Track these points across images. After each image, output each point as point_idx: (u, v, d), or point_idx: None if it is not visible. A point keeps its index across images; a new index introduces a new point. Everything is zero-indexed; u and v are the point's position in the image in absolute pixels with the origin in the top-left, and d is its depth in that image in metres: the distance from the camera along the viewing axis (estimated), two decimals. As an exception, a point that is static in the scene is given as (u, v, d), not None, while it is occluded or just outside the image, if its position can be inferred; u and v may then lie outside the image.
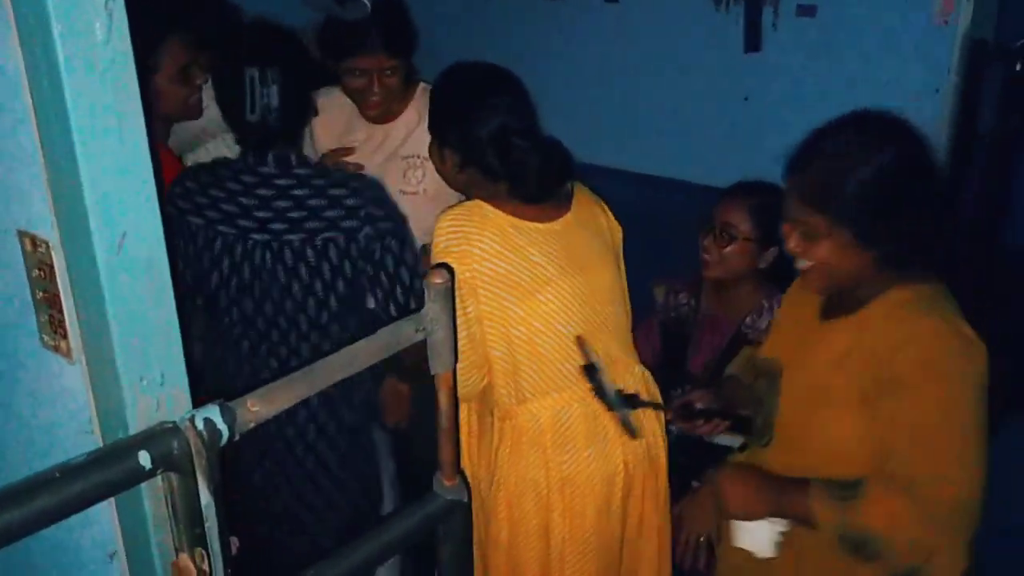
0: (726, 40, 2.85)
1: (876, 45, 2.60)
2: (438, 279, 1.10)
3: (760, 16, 2.77)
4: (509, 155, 1.77)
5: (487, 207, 1.76)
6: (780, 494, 1.49)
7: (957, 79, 2.50)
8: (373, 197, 1.91)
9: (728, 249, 2.19)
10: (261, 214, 1.87)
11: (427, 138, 1.94)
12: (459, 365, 1.66)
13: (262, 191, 1.88)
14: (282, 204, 1.87)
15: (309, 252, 1.87)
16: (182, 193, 1.91)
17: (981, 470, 1.38)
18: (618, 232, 1.96)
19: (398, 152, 2.39)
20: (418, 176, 2.36)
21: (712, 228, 2.20)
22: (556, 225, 1.81)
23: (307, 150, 2.27)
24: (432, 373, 1.16)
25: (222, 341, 1.99)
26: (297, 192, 1.88)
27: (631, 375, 1.91)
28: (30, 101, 0.86)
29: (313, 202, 1.87)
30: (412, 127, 2.38)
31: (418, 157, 2.33)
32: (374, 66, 2.24)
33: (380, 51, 2.23)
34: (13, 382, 1.09)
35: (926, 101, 2.54)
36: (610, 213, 1.96)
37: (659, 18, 3.01)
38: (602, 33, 3.15)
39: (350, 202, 1.87)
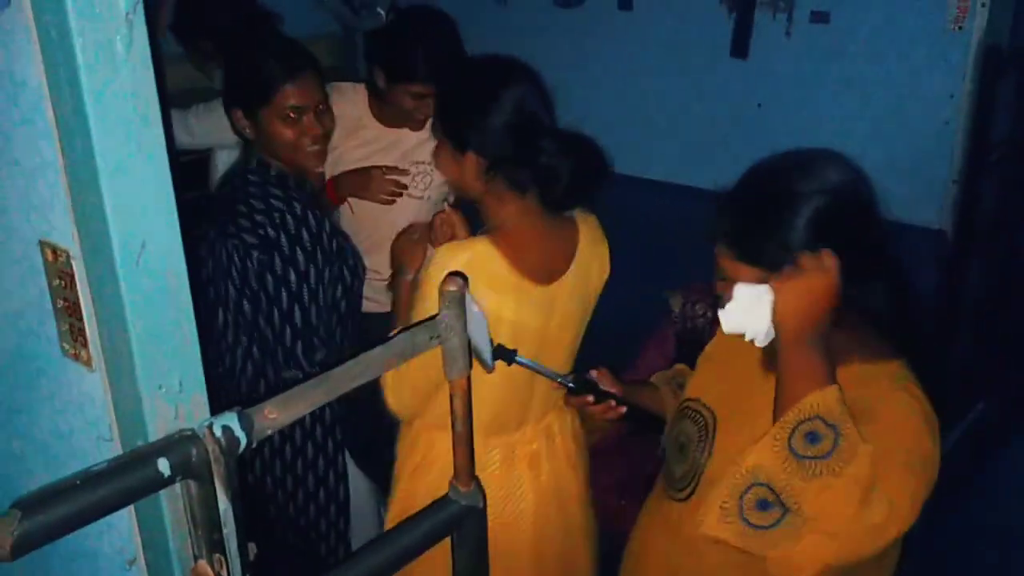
0: (739, 47, 2.86)
1: (890, 51, 2.59)
2: (451, 286, 1.11)
3: (751, 22, 2.79)
4: (537, 159, 1.61)
5: (495, 255, 1.62)
6: (818, 358, 1.23)
7: (972, 85, 2.49)
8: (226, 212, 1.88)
9: None
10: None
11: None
12: (402, 386, 1.62)
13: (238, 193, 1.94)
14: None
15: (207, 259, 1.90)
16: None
17: (903, 529, 1.22)
18: (605, 276, 1.84)
19: (409, 157, 2.43)
20: (426, 182, 2.45)
21: None
22: (555, 287, 1.70)
23: None
24: (448, 379, 1.17)
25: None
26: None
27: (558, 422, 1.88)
28: (52, 114, 0.87)
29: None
30: (424, 135, 2.41)
31: (427, 164, 2.37)
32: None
33: None
34: (34, 390, 1.10)
35: (941, 107, 2.54)
36: (607, 254, 1.83)
37: (673, 25, 3.01)
38: (617, 40, 3.15)
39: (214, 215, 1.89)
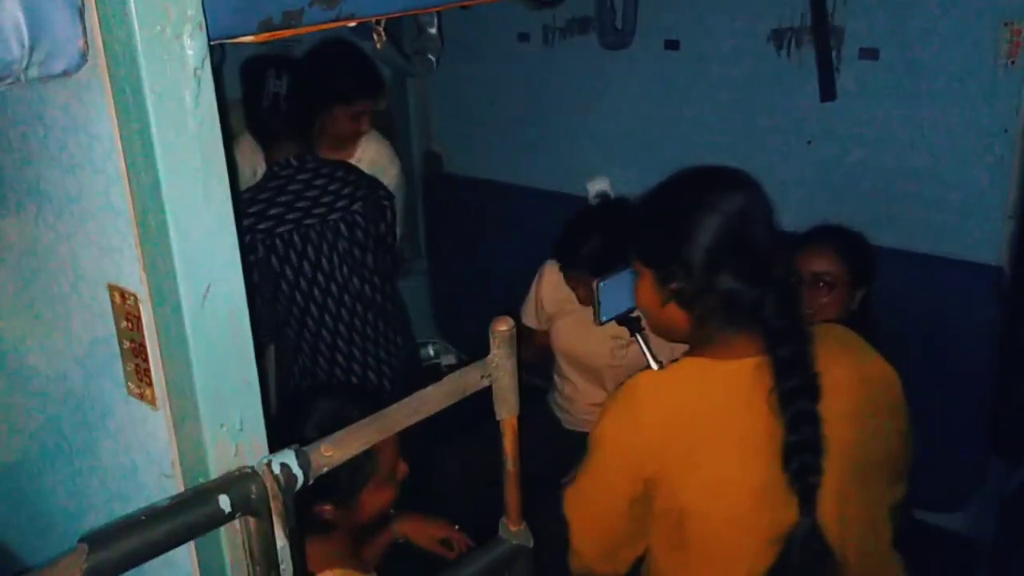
0: (788, 84, 2.85)
1: (941, 87, 2.57)
2: (502, 326, 1.13)
3: (832, 64, 2.74)
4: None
5: None
6: None
7: (1027, 120, 2.45)
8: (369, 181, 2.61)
9: (827, 298, 2.20)
10: (300, 204, 2.39)
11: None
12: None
13: (293, 186, 2.39)
14: (311, 193, 2.41)
15: (343, 226, 2.45)
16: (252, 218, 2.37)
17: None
18: None
19: (607, 331, 2.50)
20: (622, 354, 2.68)
21: (803, 280, 2.16)
22: None
23: (530, 308, 2.92)
24: (497, 419, 1.18)
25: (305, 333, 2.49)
26: (318, 181, 2.43)
27: None
28: (123, 164, 0.92)
29: (333, 186, 2.45)
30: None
31: (624, 339, 2.57)
32: None
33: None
34: (100, 428, 1.14)
35: (994, 142, 2.50)
36: None
37: (721, 63, 3.02)
38: (664, 79, 3.17)
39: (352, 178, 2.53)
